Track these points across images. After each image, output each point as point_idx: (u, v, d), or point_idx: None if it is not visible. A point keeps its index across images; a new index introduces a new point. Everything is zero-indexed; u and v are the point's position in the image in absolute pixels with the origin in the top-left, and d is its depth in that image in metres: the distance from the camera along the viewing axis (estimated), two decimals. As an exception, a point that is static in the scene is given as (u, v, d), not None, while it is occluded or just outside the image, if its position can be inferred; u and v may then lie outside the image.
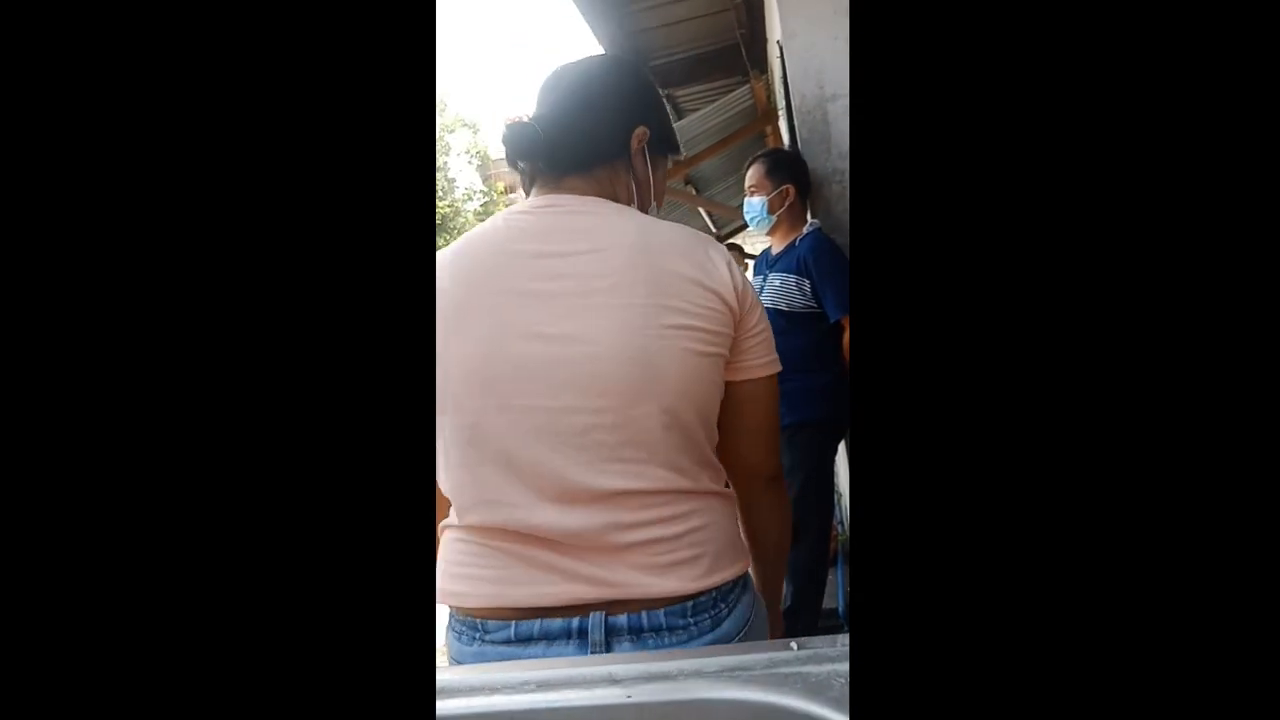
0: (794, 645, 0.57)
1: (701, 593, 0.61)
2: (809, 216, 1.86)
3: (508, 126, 0.65)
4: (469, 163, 12.73)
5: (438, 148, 12.03)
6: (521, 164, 0.67)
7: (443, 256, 0.62)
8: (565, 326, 0.58)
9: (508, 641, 0.61)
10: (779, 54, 2.03)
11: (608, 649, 0.59)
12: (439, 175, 11.76)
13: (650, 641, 0.59)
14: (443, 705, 0.54)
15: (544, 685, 0.55)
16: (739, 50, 3.12)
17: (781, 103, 2.28)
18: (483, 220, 11.83)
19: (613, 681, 0.55)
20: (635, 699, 0.53)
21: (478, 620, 0.61)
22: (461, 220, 11.57)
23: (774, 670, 0.54)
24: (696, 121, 3.38)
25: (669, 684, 0.54)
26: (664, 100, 0.71)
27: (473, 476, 0.60)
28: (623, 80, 0.70)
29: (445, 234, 10.97)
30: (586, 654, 0.59)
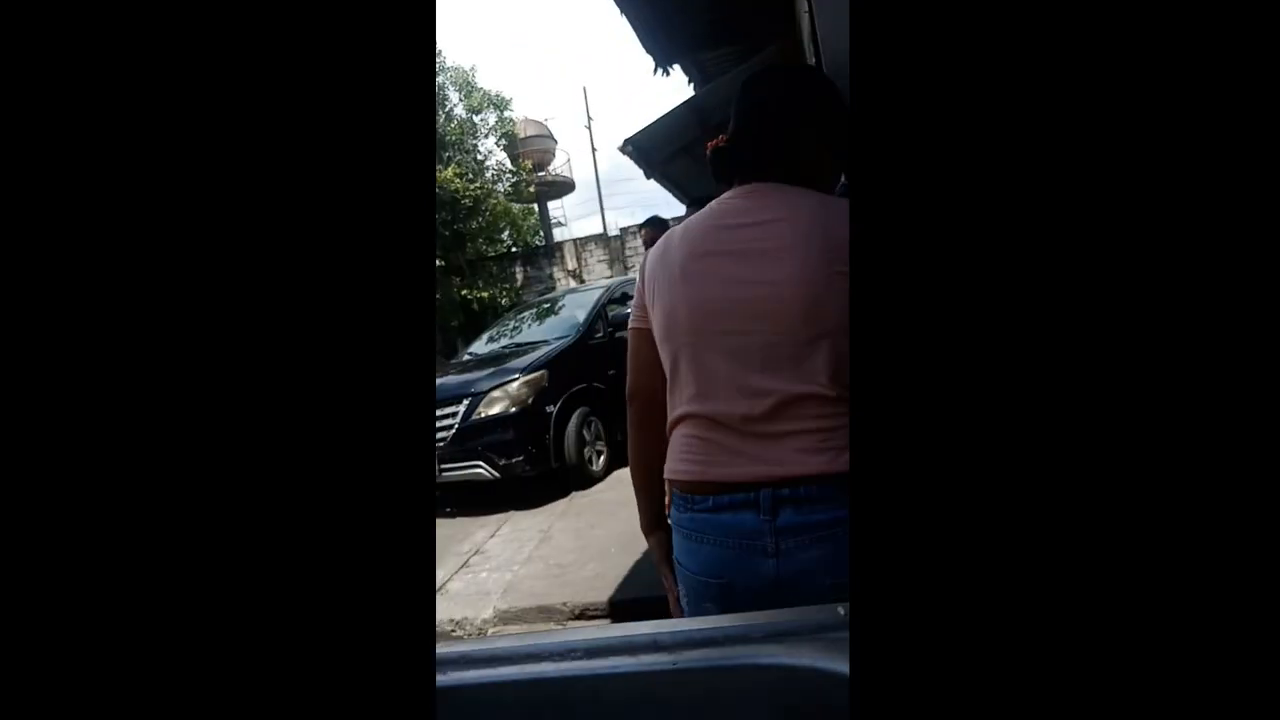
0: (841, 610, 0.55)
1: (846, 471, 0.78)
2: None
3: (712, 152, 0.93)
4: (497, 143, 12.70)
5: (467, 130, 11.98)
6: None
7: (673, 233, 0.91)
8: (758, 274, 0.81)
9: (708, 510, 0.83)
10: (807, 8, 1.95)
11: (775, 516, 0.79)
12: (469, 158, 11.74)
13: (807, 510, 0.78)
14: (490, 673, 0.55)
15: (590, 652, 0.56)
16: (765, 10, 3.01)
17: (810, 60, 2.20)
18: (512, 200, 11.70)
19: (658, 647, 0.55)
20: (680, 664, 0.53)
21: (689, 495, 0.86)
22: (493, 201, 11.59)
23: (822, 635, 0.53)
24: (724, 84, 3.29)
25: (714, 650, 0.54)
26: (841, 105, 0.89)
27: (693, 379, 0.85)
28: (810, 97, 0.89)
29: (478, 216, 11.02)
30: (758, 520, 0.79)
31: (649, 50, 3.31)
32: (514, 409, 3.71)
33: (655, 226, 3.13)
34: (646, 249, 3.09)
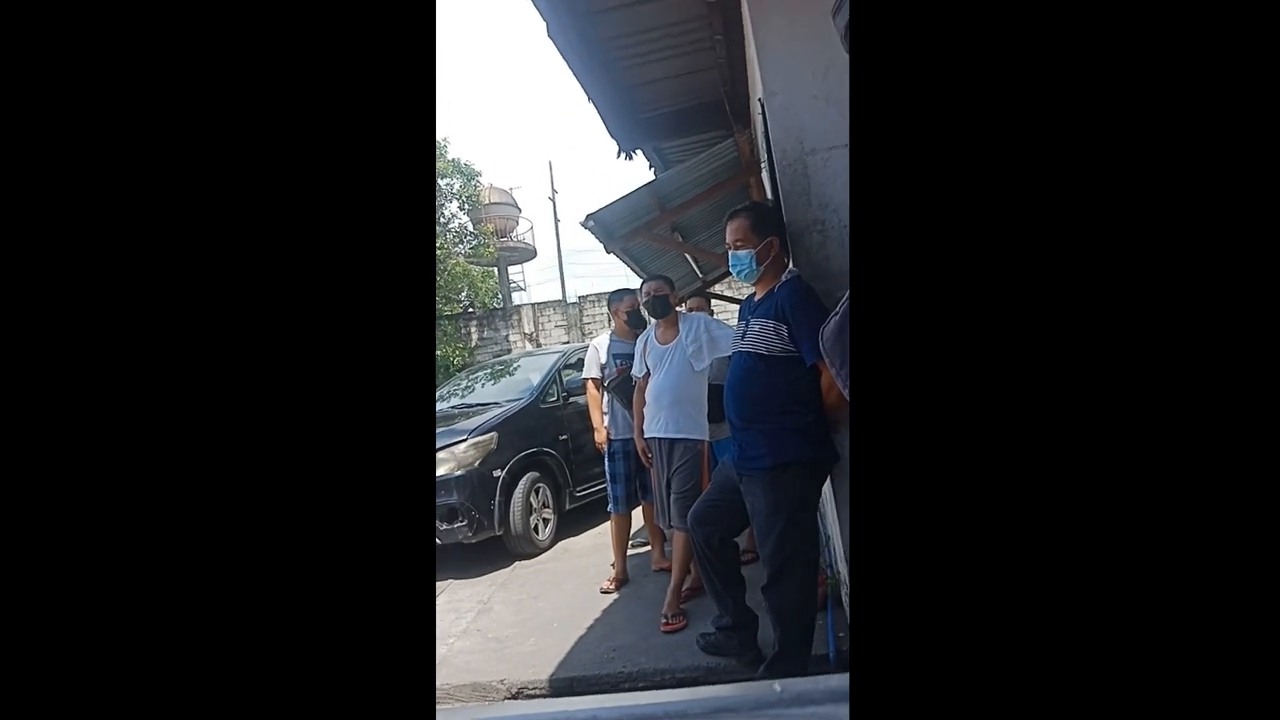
0: (778, 686, 0.57)
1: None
2: (789, 264, 1.93)
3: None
4: (461, 207, 12.88)
5: (429, 193, 12.08)
6: None
7: None
8: None
9: None
10: (760, 110, 2.13)
11: None
12: (429, 220, 11.79)
13: None
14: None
15: (529, 728, 0.56)
16: (723, 106, 3.25)
17: (764, 155, 2.37)
18: (473, 262, 11.61)
19: (598, 724, 0.55)
20: (620, 742, 0.53)
21: None
22: (452, 262, 11.64)
23: (758, 712, 0.55)
24: (683, 172, 3.49)
25: (653, 726, 0.54)
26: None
27: None
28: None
29: (439, 275, 10.99)
30: None
31: (614, 136, 3.51)
32: (459, 471, 3.61)
33: (623, 299, 3.21)
34: (628, 320, 3.11)
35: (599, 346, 3.25)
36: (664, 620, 2.52)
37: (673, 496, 2.55)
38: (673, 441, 2.59)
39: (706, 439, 2.62)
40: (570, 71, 2.70)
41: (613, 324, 3.27)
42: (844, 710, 0.51)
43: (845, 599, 2.14)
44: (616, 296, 3.25)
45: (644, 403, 2.71)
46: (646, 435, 2.69)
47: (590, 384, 3.26)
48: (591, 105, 3.06)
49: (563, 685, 2.24)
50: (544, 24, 2.36)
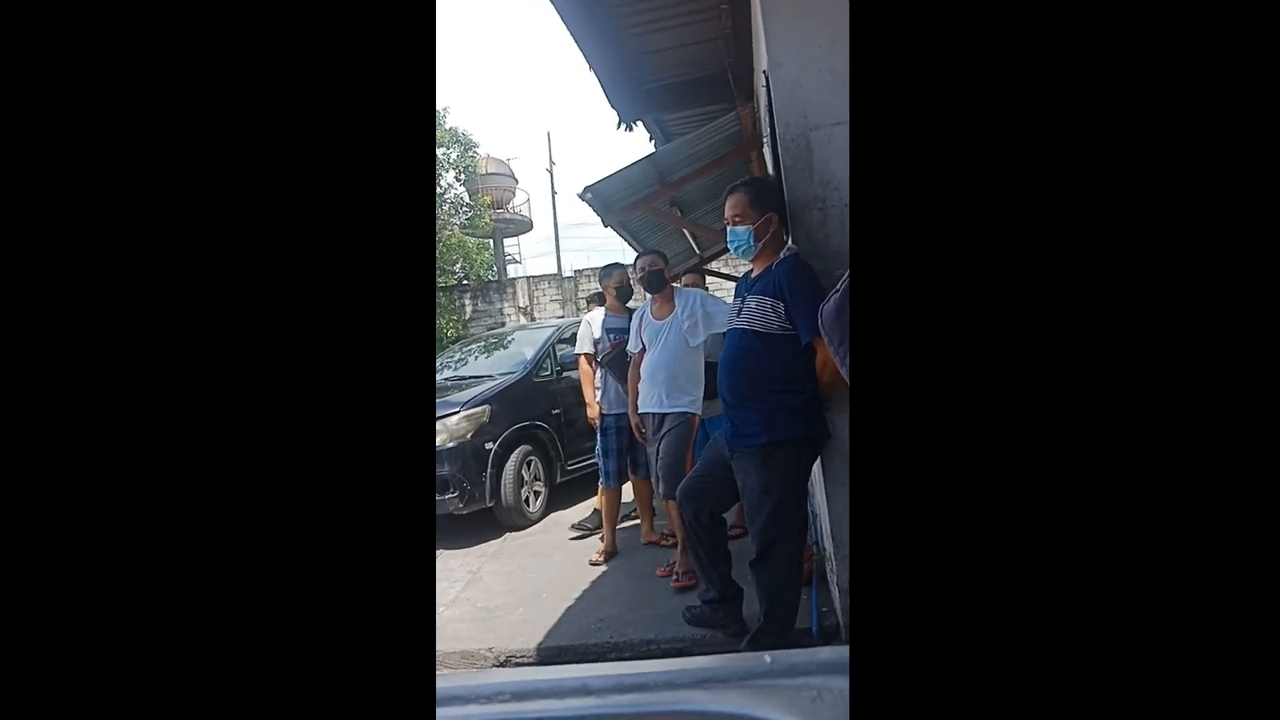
0: (768, 658, 0.57)
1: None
2: (788, 242, 1.91)
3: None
4: (457, 178, 12.71)
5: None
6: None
7: None
8: None
9: None
10: (765, 83, 2.09)
11: None
12: (425, 188, 11.65)
13: None
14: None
15: (519, 694, 0.56)
16: (727, 78, 3.19)
17: (766, 130, 2.34)
18: (468, 233, 11.60)
19: (587, 691, 0.55)
20: (606, 709, 0.54)
21: None
22: (447, 233, 11.51)
23: (747, 682, 0.55)
24: (684, 145, 3.44)
25: (641, 695, 0.55)
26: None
27: None
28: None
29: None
30: None
31: (614, 106, 3.44)
32: (451, 443, 3.61)
33: (612, 274, 3.20)
34: (616, 294, 3.13)
35: (592, 321, 3.24)
36: (675, 578, 2.59)
37: (659, 462, 2.57)
38: (663, 416, 2.60)
39: (698, 413, 2.63)
40: (572, 38, 2.64)
41: (605, 300, 3.27)
42: (833, 682, 0.51)
43: (830, 575, 2.16)
44: (606, 272, 3.24)
45: (639, 378, 2.71)
46: (640, 410, 2.69)
47: (583, 359, 3.25)
48: (593, 74, 3.00)
49: (550, 654, 2.27)
50: (546, -14, 2.29)
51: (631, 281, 3.07)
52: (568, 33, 2.61)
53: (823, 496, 2.09)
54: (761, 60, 2.32)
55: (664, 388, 2.59)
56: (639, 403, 2.70)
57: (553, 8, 2.39)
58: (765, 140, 2.53)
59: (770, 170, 2.34)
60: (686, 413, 2.60)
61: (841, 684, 0.50)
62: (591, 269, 11.08)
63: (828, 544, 2.17)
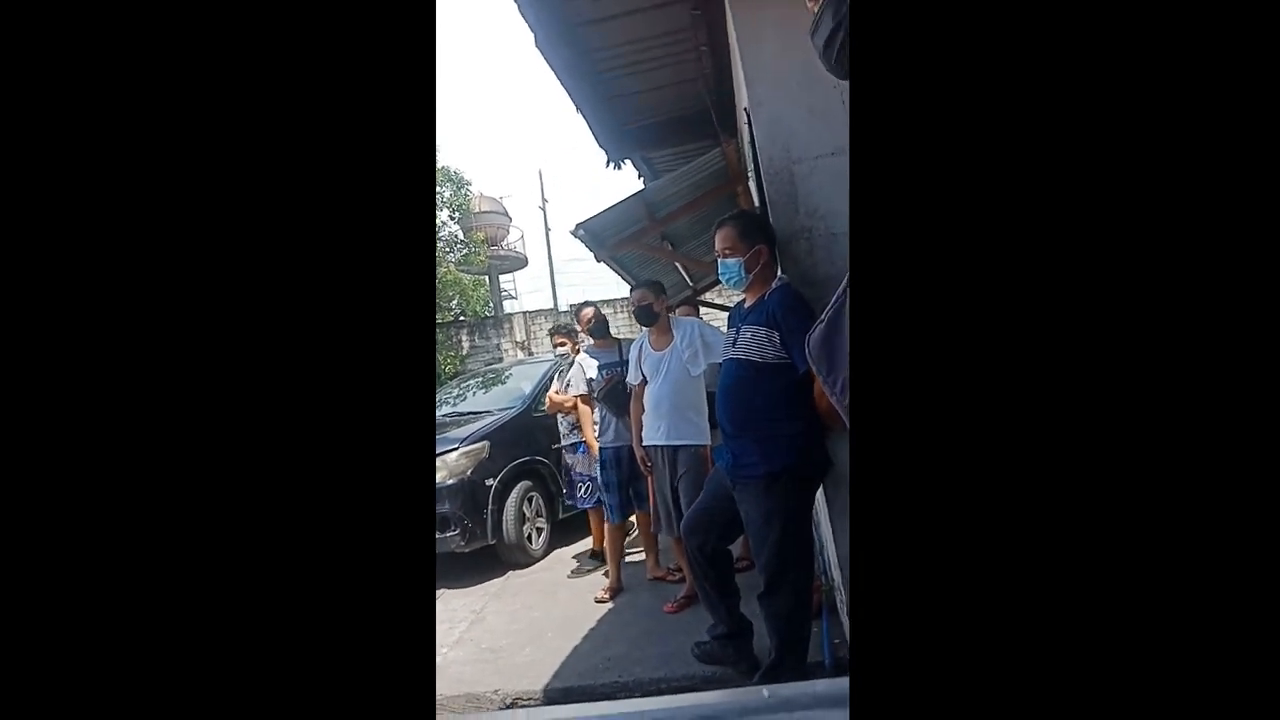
0: (765, 692, 0.58)
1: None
2: (778, 272, 1.94)
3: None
4: (450, 216, 12.88)
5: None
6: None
7: None
8: None
9: None
10: (746, 120, 2.15)
11: None
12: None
13: None
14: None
15: (522, 739, 0.56)
16: (709, 115, 3.28)
17: (750, 165, 2.39)
18: (463, 270, 11.60)
19: (589, 732, 0.56)
20: (610, 750, 0.54)
21: None
22: (443, 270, 11.62)
23: (745, 717, 0.55)
24: (671, 181, 3.51)
25: (643, 734, 0.55)
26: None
27: None
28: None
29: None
30: None
31: (602, 146, 3.53)
32: (451, 480, 3.60)
33: (581, 311, 3.32)
34: (591, 331, 3.19)
35: (584, 365, 3.23)
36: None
37: (683, 503, 2.51)
38: (675, 449, 2.57)
39: (708, 443, 2.61)
40: (559, 83, 2.72)
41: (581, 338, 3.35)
42: (831, 715, 0.52)
43: (840, 606, 2.14)
44: (576, 310, 3.31)
45: (642, 410, 2.70)
46: (646, 443, 2.67)
47: (579, 401, 3.25)
48: (580, 116, 3.08)
49: (557, 695, 2.23)
50: (532, 35, 2.38)
51: (595, 320, 3.20)
52: (555, 77, 2.69)
53: (829, 526, 2.09)
54: (742, 98, 2.40)
55: (669, 419, 2.58)
56: (644, 435, 2.68)
57: (539, 54, 2.47)
58: (750, 174, 2.60)
59: (756, 203, 2.39)
60: (696, 447, 2.57)
61: (839, 717, 0.50)
62: (584, 302, 11.11)
63: (836, 574, 2.16)
